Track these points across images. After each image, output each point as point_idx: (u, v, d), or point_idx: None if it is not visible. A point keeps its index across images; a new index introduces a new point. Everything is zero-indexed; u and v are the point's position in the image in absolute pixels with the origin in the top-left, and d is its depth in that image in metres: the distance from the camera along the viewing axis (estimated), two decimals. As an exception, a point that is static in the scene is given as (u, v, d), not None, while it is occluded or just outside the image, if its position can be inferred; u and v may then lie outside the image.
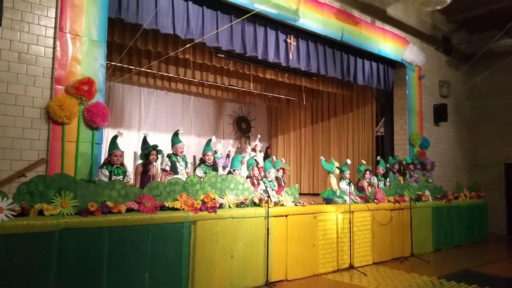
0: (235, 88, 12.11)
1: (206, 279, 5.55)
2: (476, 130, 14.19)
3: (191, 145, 12.71)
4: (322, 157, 8.82)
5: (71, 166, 5.72)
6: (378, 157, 10.37)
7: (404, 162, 10.70)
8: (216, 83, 11.55)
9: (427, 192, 9.65)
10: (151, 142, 6.79)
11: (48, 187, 4.61)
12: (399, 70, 11.75)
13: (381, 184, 9.50)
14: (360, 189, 8.87)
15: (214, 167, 7.03)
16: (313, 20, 9.00)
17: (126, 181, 5.90)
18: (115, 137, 6.04)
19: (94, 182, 5.01)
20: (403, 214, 8.79)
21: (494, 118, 13.78)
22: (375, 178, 9.55)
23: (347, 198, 7.84)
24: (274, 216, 6.40)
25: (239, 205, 6.10)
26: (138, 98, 12.37)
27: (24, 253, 4.19)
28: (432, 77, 12.64)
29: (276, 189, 7.51)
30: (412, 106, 11.71)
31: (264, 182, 7.17)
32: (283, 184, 8.10)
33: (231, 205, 5.96)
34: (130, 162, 10.50)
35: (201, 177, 6.23)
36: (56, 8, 5.79)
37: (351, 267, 7.45)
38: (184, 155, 7.13)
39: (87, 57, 6.00)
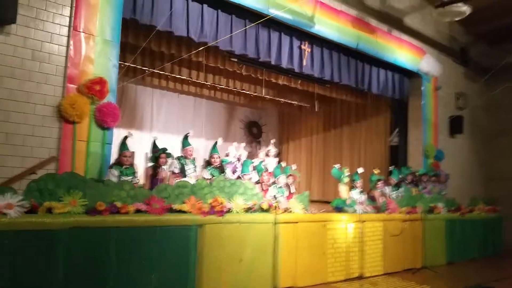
0: (247, 92, 12.06)
1: (212, 283, 5.48)
2: (493, 143, 13.98)
3: (201, 148, 12.68)
4: (337, 165, 8.70)
5: (81, 165, 5.72)
6: (391, 167, 10.24)
7: (417, 173, 10.55)
8: (228, 87, 11.52)
9: (440, 204, 9.48)
10: (162, 144, 6.78)
11: (58, 186, 4.60)
12: (415, 81, 11.63)
13: (394, 195, 9.36)
14: (371, 199, 8.75)
15: (221, 169, 6.97)
16: (328, 27, 8.94)
17: (135, 182, 5.87)
18: (125, 138, 6.03)
19: (103, 182, 4.99)
20: (415, 226, 8.64)
21: (511, 131, 13.55)
22: (388, 188, 9.42)
23: (358, 207, 7.72)
24: (283, 223, 6.32)
25: (248, 210, 6.03)
26: (150, 99, 12.40)
27: (32, 250, 4.19)
28: (448, 89, 12.48)
29: (286, 196, 7.43)
30: (427, 117, 11.57)
31: (273, 188, 7.10)
32: (292, 191, 8.01)
33: (239, 210, 5.89)
34: (141, 163, 10.49)
35: (207, 179, 6.19)
36: (71, 6, 5.81)
37: (361, 276, 7.33)
38: (194, 158, 7.09)
39: (100, 56, 6.01)
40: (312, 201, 9.00)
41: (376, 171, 9.30)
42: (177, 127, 12.73)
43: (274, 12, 7.77)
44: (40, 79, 5.56)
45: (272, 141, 11.38)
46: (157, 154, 6.47)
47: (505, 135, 13.72)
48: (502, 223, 11.45)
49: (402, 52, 10.71)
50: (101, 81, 5.89)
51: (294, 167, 8.55)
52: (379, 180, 8.94)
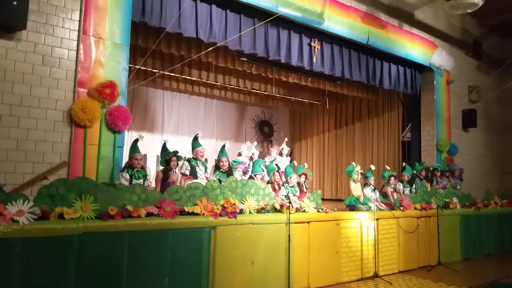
0: (258, 92, 12.05)
1: (226, 286, 5.45)
2: (507, 136, 13.80)
3: (213, 149, 12.68)
4: (353, 163, 8.62)
5: (92, 169, 5.74)
6: (404, 163, 10.15)
7: (431, 168, 10.44)
8: (239, 86, 11.52)
9: (454, 200, 9.37)
10: (173, 146, 6.76)
11: (69, 191, 4.59)
12: (427, 75, 11.51)
13: (407, 191, 9.26)
14: (384, 195, 8.67)
15: (229, 173, 6.92)
16: (338, 23, 8.88)
17: (147, 185, 5.86)
18: (136, 141, 6.01)
19: (115, 186, 4.99)
20: (430, 222, 8.55)
21: (525, 124, 13.40)
22: (401, 184, 9.33)
23: (371, 204, 7.64)
24: (295, 223, 6.26)
25: (260, 210, 5.99)
26: (161, 101, 12.44)
27: (44, 256, 4.17)
28: (461, 82, 12.34)
29: (298, 195, 7.38)
30: (440, 111, 11.45)
31: (285, 188, 7.05)
32: (305, 190, 7.96)
33: (251, 211, 5.85)
34: (153, 166, 10.52)
35: None
36: (80, 11, 5.83)
37: (376, 275, 7.25)
38: (205, 160, 7.07)
39: (110, 60, 6.02)
40: (325, 200, 8.96)
41: (388, 167, 9.21)
42: (188, 128, 12.77)
43: (283, 10, 7.73)
44: (51, 84, 5.58)
45: (285, 139, 11.32)
46: (169, 157, 6.45)
47: (520, 128, 13.57)
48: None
49: (413, 46, 10.61)
50: (111, 85, 5.90)
51: (306, 165, 8.50)
52: (391, 176, 8.85)
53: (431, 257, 8.44)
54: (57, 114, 5.62)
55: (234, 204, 5.62)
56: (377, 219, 7.44)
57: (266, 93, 12.16)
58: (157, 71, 9.46)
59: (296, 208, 6.46)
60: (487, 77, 12.94)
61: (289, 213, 6.10)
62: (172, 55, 9.14)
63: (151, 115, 12.20)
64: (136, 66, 8.36)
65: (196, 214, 5.30)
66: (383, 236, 7.61)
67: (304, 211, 6.58)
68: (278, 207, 6.17)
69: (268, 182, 7.43)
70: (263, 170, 7.93)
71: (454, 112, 11.99)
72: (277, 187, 7.34)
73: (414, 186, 9.46)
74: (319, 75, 10.37)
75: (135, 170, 5.85)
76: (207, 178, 6.82)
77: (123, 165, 6.07)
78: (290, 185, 7.33)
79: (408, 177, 9.43)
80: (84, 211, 4.52)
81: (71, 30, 5.80)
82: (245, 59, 9.41)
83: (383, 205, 8.20)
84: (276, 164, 7.62)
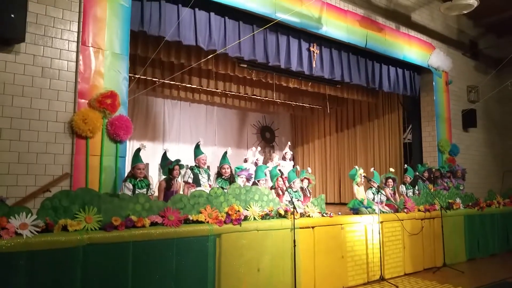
0: (258, 97, 12.06)
1: (232, 294, 5.43)
2: (507, 135, 13.81)
3: (214, 156, 12.66)
4: (356, 166, 8.59)
5: (95, 180, 5.73)
6: (406, 165, 10.13)
7: (433, 169, 10.43)
8: (239, 93, 11.53)
9: (458, 200, 9.35)
10: (175, 154, 6.74)
11: (72, 202, 4.56)
12: (426, 76, 11.55)
13: (410, 193, 9.24)
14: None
15: (231, 180, 6.89)
16: (336, 27, 8.90)
17: (150, 194, 5.84)
18: (138, 150, 5.99)
19: (118, 196, 4.95)
20: (434, 223, 8.52)
21: (525, 122, 13.44)
22: (404, 186, 9.30)
23: (375, 207, 7.63)
24: (300, 228, 6.23)
25: (264, 217, 5.95)
26: (162, 110, 12.45)
27: (48, 269, 4.13)
28: (459, 82, 12.37)
29: (302, 200, 7.35)
30: (440, 112, 11.46)
31: (289, 193, 7.02)
32: (308, 195, 7.93)
33: (256, 217, 5.82)
34: (155, 175, 10.48)
35: None
36: (79, 22, 5.84)
37: (382, 279, 7.21)
38: (208, 167, 7.04)
39: (110, 70, 6.02)
40: (328, 204, 8.93)
41: (392, 170, 9.20)
42: (190, 136, 12.77)
43: (281, 16, 7.75)
44: (51, 96, 5.58)
45: (288, 143, 11.30)
46: (172, 166, 6.43)
47: (520, 126, 13.62)
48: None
49: (411, 48, 10.64)
50: (112, 95, 5.89)
51: (309, 170, 8.48)
52: (388, 178, 8.83)
53: (436, 258, 8.40)
54: (58, 126, 5.61)
55: (239, 211, 5.58)
56: (381, 222, 7.41)
57: (266, 98, 12.17)
58: (157, 79, 9.47)
59: (301, 213, 6.43)
60: (485, 76, 12.96)
61: (294, 218, 6.07)
62: (172, 63, 9.16)
63: (152, 124, 12.20)
64: (136, 76, 8.36)
65: (201, 222, 5.27)
66: (388, 239, 7.57)
67: (308, 216, 6.55)
68: (282, 212, 6.14)
69: (271, 188, 7.39)
70: (265, 175, 7.90)
71: (454, 113, 12.01)
72: (280, 193, 7.31)
73: (417, 187, 9.44)
74: (319, 79, 10.38)
75: (138, 180, 5.82)
76: (210, 185, 6.79)
77: (126, 175, 6.05)
78: (294, 190, 7.30)
79: (410, 178, 9.40)
80: (88, 223, 4.49)
81: (70, 41, 5.81)
82: (245, 66, 9.43)
83: (386, 207, 8.17)
84: (280, 170, 7.60)
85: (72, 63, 5.79)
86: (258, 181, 7.32)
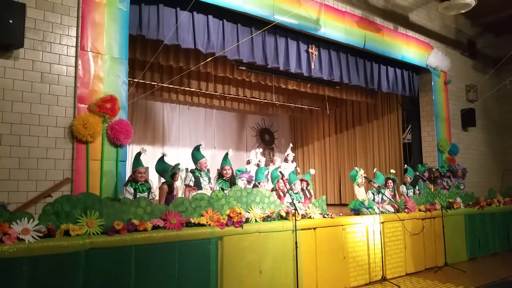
0: (258, 100, 12.07)
1: (234, 296, 5.42)
2: (507, 134, 13.84)
3: (214, 159, 12.67)
4: (356, 167, 8.61)
5: (96, 184, 5.72)
6: (406, 165, 10.14)
7: (433, 169, 10.44)
8: (238, 95, 11.54)
9: (458, 199, 9.36)
10: (175, 157, 6.73)
11: (74, 207, 4.56)
12: (424, 76, 11.56)
13: (410, 193, 9.25)
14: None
15: (232, 181, 6.88)
16: (334, 29, 8.92)
17: (151, 197, 5.83)
18: (138, 154, 5.99)
19: (119, 200, 4.95)
20: (435, 223, 8.54)
21: (524, 121, 13.48)
22: (404, 186, 9.32)
23: (375, 208, 7.64)
24: (302, 229, 6.23)
25: (266, 219, 5.96)
26: (161, 113, 12.45)
27: (51, 274, 4.12)
28: (458, 82, 12.39)
29: (303, 201, 7.35)
30: (439, 112, 11.47)
31: (290, 195, 7.03)
32: (308, 196, 7.92)
33: (257, 219, 5.82)
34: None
35: None
36: (77, 27, 5.84)
37: (384, 279, 7.21)
38: (208, 170, 7.03)
39: (109, 74, 6.02)
40: (329, 205, 8.92)
41: (393, 171, 9.21)
42: (189, 139, 12.76)
43: (279, 18, 7.76)
44: (51, 101, 5.58)
45: (290, 145, 11.29)
46: (174, 171, 6.43)
47: (518, 125, 13.66)
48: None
49: (409, 49, 10.65)
50: (112, 99, 5.89)
51: (312, 171, 8.49)
52: (387, 179, 8.86)
53: (437, 258, 8.42)
54: (58, 131, 5.61)
55: (240, 213, 5.58)
56: (382, 222, 7.42)
57: (265, 101, 12.18)
58: (156, 83, 9.47)
59: (302, 215, 6.43)
60: (483, 76, 12.99)
61: (295, 220, 6.08)
62: (171, 67, 9.16)
63: (151, 128, 12.20)
64: (135, 80, 8.37)
65: (202, 225, 5.27)
66: (389, 239, 7.58)
67: (310, 217, 6.55)
68: (284, 214, 6.14)
69: (272, 190, 7.39)
70: (266, 177, 7.91)
71: (453, 112, 12.03)
72: (281, 194, 7.31)
73: (417, 187, 9.45)
74: (318, 80, 10.40)
75: (139, 184, 5.82)
76: (211, 188, 6.79)
77: (127, 179, 6.05)
78: (295, 191, 7.31)
79: (410, 179, 9.41)
80: (90, 227, 4.48)
81: (69, 46, 5.81)
82: (244, 68, 9.43)
83: (388, 208, 8.17)
84: (280, 172, 7.60)
85: (71, 68, 5.79)
86: (259, 183, 7.31)
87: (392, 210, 8.06)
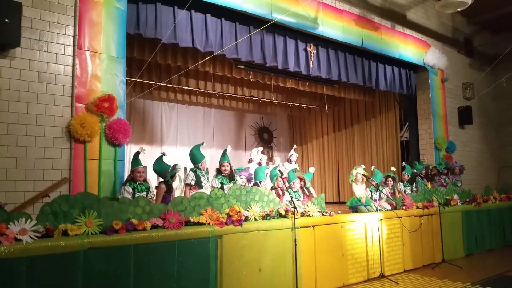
0: (256, 98, 12.05)
1: (234, 295, 5.41)
2: (503, 131, 13.90)
3: (213, 158, 12.63)
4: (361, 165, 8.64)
5: (94, 184, 5.69)
6: (404, 163, 10.17)
7: (430, 167, 10.47)
8: (237, 94, 11.52)
9: (455, 196, 9.42)
10: (174, 157, 6.69)
11: (72, 207, 4.53)
12: (422, 74, 11.58)
13: (408, 190, 9.29)
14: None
15: (231, 177, 6.88)
16: (332, 27, 8.91)
17: (150, 197, 5.81)
18: (137, 153, 5.97)
19: (118, 200, 4.93)
20: (433, 220, 8.61)
21: (519, 118, 13.56)
22: (402, 184, 9.36)
23: (373, 205, 7.68)
24: (301, 227, 6.25)
25: (265, 217, 5.96)
26: (159, 113, 12.40)
27: (49, 274, 4.10)
28: (455, 80, 12.41)
29: (302, 200, 7.36)
30: (436, 110, 11.49)
31: (289, 193, 7.03)
32: (308, 194, 7.92)
33: (257, 218, 5.83)
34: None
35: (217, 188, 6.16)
36: (74, 26, 5.80)
37: (382, 276, 7.25)
38: (207, 169, 7.02)
39: (106, 74, 5.98)
40: (327, 203, 8.95)
41: (393, 169, 9.26)
42: (188, 138, 12.73)
43: (277, 16, 7.74)
44: (48, 101, 5.54)
45: (294, 146, 11.27)
46: (174, 172, 6.42)
47: (514, 122, 13.75)
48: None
49: (407, 47, 10.66)
50: (109, 98, 5.85)
51: (312, 170, 8.47)
52: (387, 176, 8.91)
53: (435, 255, 8.51)
54: (56, 131, 5.57)
55: (239, 212, 5.58)
56: (380, 220, 7.45)
57: (264, 99, 12.16)
58: (154, 82, 9.43)
59: (301, 213, 6.44)
60: (480, 74, 13.03)
61: (294, 218, 6.08)
62: (169, 66, 9.13)
63: (149, 127, 12.16)
64: (133, 79, 8.33)
65: (202, 224, 5.26)
66: (387, 236, 7.64)
67: (309, 215, 6.57)
68: (283, 212, 6.15)
69: (271, 189, 7.39)
70: (266, 176, 7.90)
71: (450, 110, 12.05)
72: (280, 193, 7.31)
73: (415, 185, 9.48)
74: (316, 79, 10.40)
75: (137, 183, 5.80)
76: (211, 187, 6.77)
77: (125, 178, 6.03)
78: (294, 190, 7.31)
79: (408, 176, 9.46)
80: (88, 227, 4.47)
81: (66, 46, 5.77)
82: (242, 67, 9.42)
83: (384, 205, 8.20)
84: (279, 170, 7.60)
85: (69, 67, 5.75)
86: (260, 182, 7.33)
87: (389, 207, 8.09)
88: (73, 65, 5.76)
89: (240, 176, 7.34)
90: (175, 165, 6.56)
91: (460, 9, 9.46)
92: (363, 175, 8.07)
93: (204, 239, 5.20)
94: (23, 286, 3.95)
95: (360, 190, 8.05)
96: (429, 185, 9.76)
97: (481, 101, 13.08)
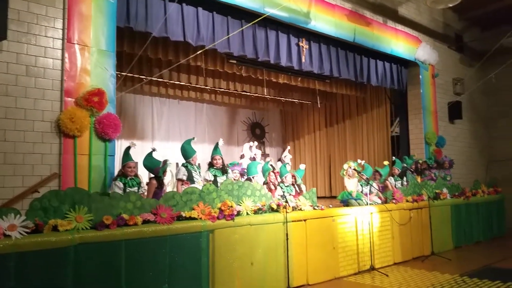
0: (248, 94, 12.00)
1: (226, 289, 5.40)
2: (492, 126, 14.03)
3: (205, 153, 12.59)
4: (360, 160, 8.67)
5: (84, 179, 5.62)
6: (394, 157, 10.21)
7: (420, 161, 10.54)
8: (229, 89, 11.46)
9: (445, 190, 9.53)
10: (164, 152, 6.64)
11: (62, 202, 4.49)
12: (413, 69, 11.61)
13: (398, 184, 9.36)
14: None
15: (224, 170, 6.86)
16: (324, 22, 8.88)
17: (141, 192, 5.78)
18: (128, 148, 5.93)
19: (109, 195, 4.89)
20: (422, 213, 8.71)
21: (509, 114, 13.74)
22: (392, 178, 9.43)
23: (364, 199, 7.73)
24: (292, 221, 6.27)
25: (257, 211, 5.97)
26: (150, 108, 12.30)
27: (39, 270, 4.06)
28: (445, 75, 12.48)
29: (294, 194, 7.37)
30: (426, 105, 11.56)
31: (281, 187, 7.03)
32: (298, 191, 7.91)
33: (248, 212, 5.83)
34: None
35: (209, 181, 6.12)
36: (63, 19, 5.70)
37: (372, 268, 7.31)
38: (199, 164, 6.99)
39: (96, 67, 5.91)
40: (319, 198, 8.96)
41: (386, 163, 9.31)
42: (179, 134, 12.66)
43: (269, 10, 7.70)
44: (37, 95, 5.44)
45: (288, 147, 11.25)
46: (165, 168, 6.38)
47: (503, 117, 13.89)
48: (504, 204, 11.60)
49: (398, 42, 10.68)
50: (99, 92, 5.77)
51: (303, 167, 8.49)
52: (376, 171, 8.97)
53: (424, 247, 8.62)
54: (45, 125, 5.48)
55: (231, 206, 5.58)
56: (371, 213, 7.51)
57: (256, 95, 12.11)
58: (144, 77, 9.34)
59: (293, 207, 6.46)
60: (470, 69, 13.12)
61: (286, 212, 6.09)
62: (160, 60, 9.05)
63: (140, 122, 12.07)
64: (123, 73, 8.24)
65: (194, 218, 5.25)
66: (377, 230, 7.71)
67: (300, 209, 6.58)
68: (275, 207, 6.17)
69: (264, 183, 7.38)
70: (258, 171, 7.90)
71: (440, 105, 12.10)
72: (272, 187, 7.31)
73: (405, 179, 9.54)
74: (309, 74, 10.39)
75: (128, 178, 5.77)
76: (203, 181, 6.74)
77: (116, 173, 5.98)
78: (286, 184, 7.32)
79: (398, 170, 9.54)
80: (78, 222, 4.43)
81: (55, 39, 5.67)
82: (235, 61, 9.36)
83: (375, 199, 8.24)
84: (271, 165, 7.60)
85: (58, 61, 5.65)
86: (253, 177, 7.32)
87: (379, 201, 8.15)
88: (62, 59, 5.67)
89: (233, 170, 7.32)
90: (165, 161, 6.52)
91: (451, 5, 9.47)
92: (354, 169, 8.10)
93: (196, 234, 5.19)
94: (13, 282, 3.91)
95: (351, 184, 8.09)
96: (419, 179, 9.83)
97: (471, 96, 13.16)
